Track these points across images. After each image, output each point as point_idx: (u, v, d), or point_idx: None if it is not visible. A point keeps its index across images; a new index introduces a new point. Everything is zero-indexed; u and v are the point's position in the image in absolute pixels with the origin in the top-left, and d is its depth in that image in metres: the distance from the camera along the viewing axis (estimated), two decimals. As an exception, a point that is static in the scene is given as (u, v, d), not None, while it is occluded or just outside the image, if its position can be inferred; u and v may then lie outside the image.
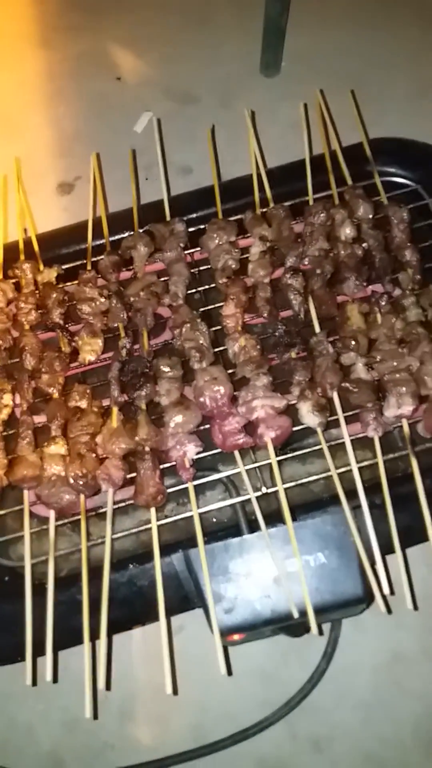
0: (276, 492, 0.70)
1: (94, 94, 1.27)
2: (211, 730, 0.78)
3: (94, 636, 0.64)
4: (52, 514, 0.71)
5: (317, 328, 0.77)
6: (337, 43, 1.27)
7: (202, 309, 0.81)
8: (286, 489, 0.69)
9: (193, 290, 0.83)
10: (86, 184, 1.15)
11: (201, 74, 1.26)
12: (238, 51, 1.27)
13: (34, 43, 1.34)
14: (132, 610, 0.70)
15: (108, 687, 0.68)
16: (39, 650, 0.65)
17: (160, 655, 0.63)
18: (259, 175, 0.88)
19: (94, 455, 0.72)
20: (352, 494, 0.68)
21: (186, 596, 0.69)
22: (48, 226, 1.04)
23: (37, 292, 0.83)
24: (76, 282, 0.83)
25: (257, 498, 0.69)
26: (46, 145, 1.23)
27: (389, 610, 0.71)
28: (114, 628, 0.66)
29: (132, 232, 0.86)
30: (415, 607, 0.64)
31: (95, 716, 0.68)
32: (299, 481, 0.71)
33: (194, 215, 0.88)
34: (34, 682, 0.64)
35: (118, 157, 1.11)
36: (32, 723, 0.80)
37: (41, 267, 0.85)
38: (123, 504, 0.72)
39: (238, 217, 0.85)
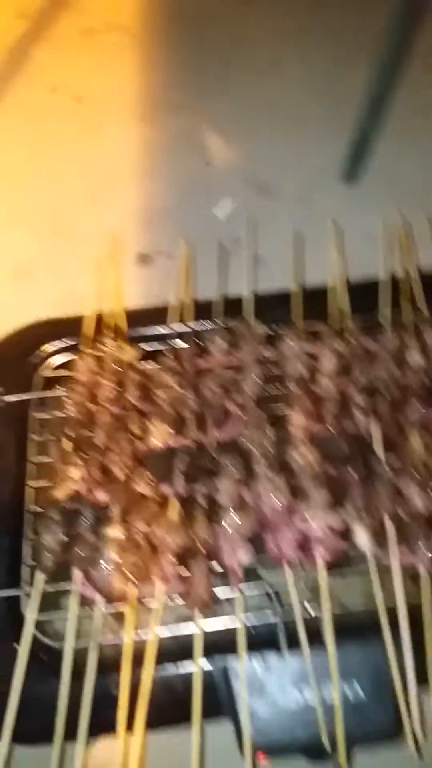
0: (321, 613, 0.71)
1: (183, 174, 1.34)
2: None
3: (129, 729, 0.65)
4: (99, 599, 0.72)
5: (380, 452, 0.79)
6: (424, 161, 1.33)
7: (269, 413, 0.84)
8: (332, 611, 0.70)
9: (264, 393, 0.86)
10: (166, 260, 1.22)
11: (284, 169, 1.33)
12: (323, 153, 1.34)
13: (137, 118, 1.43)
14: (161, 710, 0.70)
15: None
16: (69, 735, 0.65)
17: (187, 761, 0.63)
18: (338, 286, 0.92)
19: (149, 546, 0.73)
20: (393, 621, 0.68)
21: (218, 705, 0.69)
22: (125, 295, 1.10)
23: (117, 369, 0.87)
24: (155, 364, 0.87)
25: (302, 616, 0.70)
26: (131, 216, 1.29)
27: (420, 755, 0.70)
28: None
29: (214, 326, 0.90)
30: None
31: None
32: (345, 605, 0.72)
33: (273, 316, 0.91)
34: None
35: (198, 238, 1.17)
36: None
37: (125, 345, 0.89)
38: (170, 602, 0.73)
39: (314, 326, 0.89)
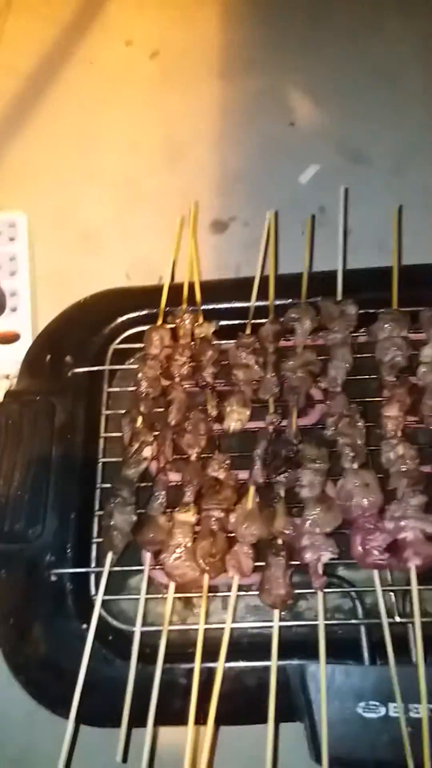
0: (409, 624, 0.65)
1: (264, 136, 1.25)
2: None
3: (198, 721, 0.62)
4: (171, 585, 0.68)
5: None
6: None
7: (357, 399, 0.77)
8: (422, 623, 0.64)
9: (352, 377, 0.79)
10: (240, 227, 1.15)
11: (377, 134, 1.23)
12: (424, 118, 1.23)
13: (215, 73, 1.34)
14: (234, 707, 0.66)
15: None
16: (136, 722, 0.63)
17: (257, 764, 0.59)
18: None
19: (224, 535, 0.69)
20: None
21: (292, 708, 0.65)
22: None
23: (193, 344, 0.82)
24: (233, 342, 0.81)
25: (388, 624, 0.64)
26: (206, 180, 1.22)
27: None
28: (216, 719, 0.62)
29: (299, 302, 0.83)
30: None
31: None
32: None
33: (365, 296, 0.83)
34: (125, 759, 0.62)
35: (278, 206, 1.10)
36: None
37: (200, 319, 0.84)
38: (244, 593, 0.69)
39: (414, 309, 0.80)
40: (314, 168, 1.20)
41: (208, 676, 0.64)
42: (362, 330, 0.81)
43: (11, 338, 1.00)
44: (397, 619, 0.66)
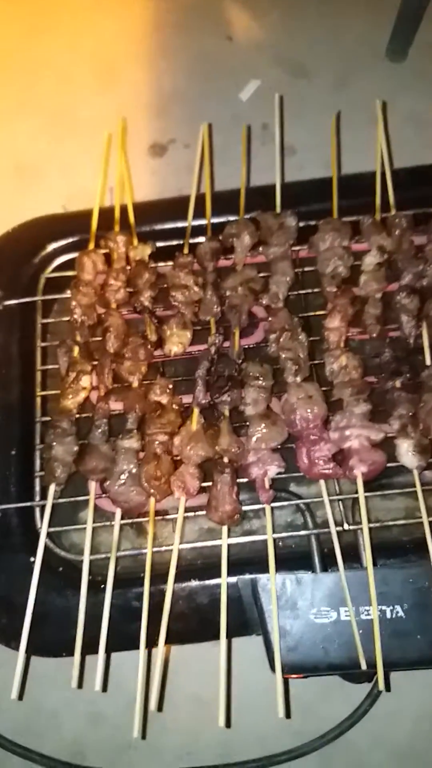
0: (357, 530, 0.65)
1: (200, 53, 1.18)
2: (238, 750, 0.76)
3: (150, 644, 0.61)
4: (118, 512, 0.67)
5: (428, 359, 0.71)
6: None
7: (301, 315, 0.75)
8: (370, 529, 0.64)
9: (294, 293, 0.76)
10: (180, 149, 1.09)
11: (319, 47, 1.16)
12: (364, 29, 1.16)
13: (144, -13, 1.24)
14: (188, 626, 0.66)
15: (160, 708, 0.65)
16: (89, 649, 0.62)
17: (215, 679, 0.60)
18: (382, 175, 0.79)
19: (169, 458, 0.67)
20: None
21: (246, 622, 0.66)
22: (137, 189, 0.97)
23: (128, 268, 0.78)
24: (170, 263, 0.77)
25: (337, 533, 0.64)
26: (142, 102, 1.15)
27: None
28: (167, 640, 0.62)
29: (237, 218, 0.79)
30: None
31: (143, 736, 0.66)
32: (385, 523, 0.66)
33: (305, 208, 0.80)
34: (80, 685, 0.62)
35: (218, 124, 1.04)
36: (58, 710, 0.79)
37: (135, 242, 0.79)
38: (192, 514, 0.68)
39: (355, 218, 0.77)
40: (255, 84, 1.13)
41: (160, 598, 0.63)
42: (303, 245, 0.77)
43: None
44: (346, 527, 0.65)
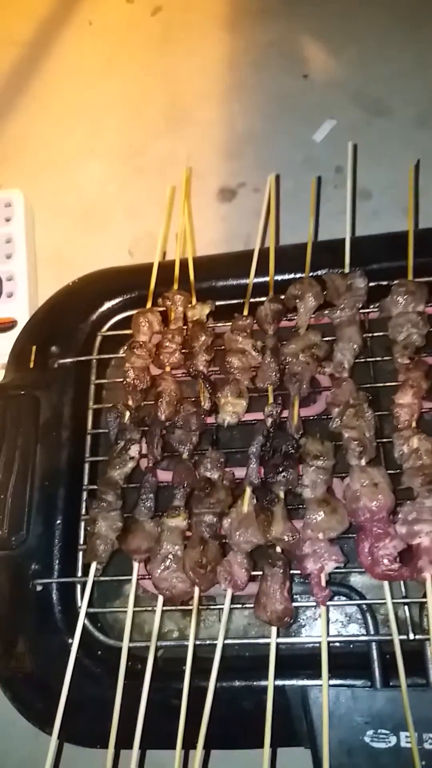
0: (425, 641, 0.57)
1: (275, 92, 1.14)
2: None
3: (188, 745, 0.57)
4: (160, 599, 0.62)
5: None
6: None
7: (368, 385, 0.68)
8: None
9: (361, 359, 0.70)
10: (251, 194, 1.05)
11: (399, 82, 1.09)
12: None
13: (220, 25, 1.22)
14: (229, 731, 0.61)
15: None
16: (124, 744, 0.58)
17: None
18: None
19: (217, 542, 0.63)
20: None
21: (294, 733, 0.59)
22: (204, 234, 0.95)
23: (184, 328, 0.74)
24: (228, 324, 0.73)
25: (401, 642, 0.57)
26: (213, 143, 1.12)
27: None
28: (206, 744, 0.57)
29: (302, 275, 0.74)
30: None
31: None
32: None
33: (377, 266, 0.73)
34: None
35: (290, 168, 1.00)
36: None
37: (194, 300, 0.76)
38: (239, 606, 0.63)
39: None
40: (330, 124, 1.08)
41: (201, 696, 0.58)
42: (373, 306, 0.71)
43: (8, 326, 0.95)
44: (411, 636, 0.58)
